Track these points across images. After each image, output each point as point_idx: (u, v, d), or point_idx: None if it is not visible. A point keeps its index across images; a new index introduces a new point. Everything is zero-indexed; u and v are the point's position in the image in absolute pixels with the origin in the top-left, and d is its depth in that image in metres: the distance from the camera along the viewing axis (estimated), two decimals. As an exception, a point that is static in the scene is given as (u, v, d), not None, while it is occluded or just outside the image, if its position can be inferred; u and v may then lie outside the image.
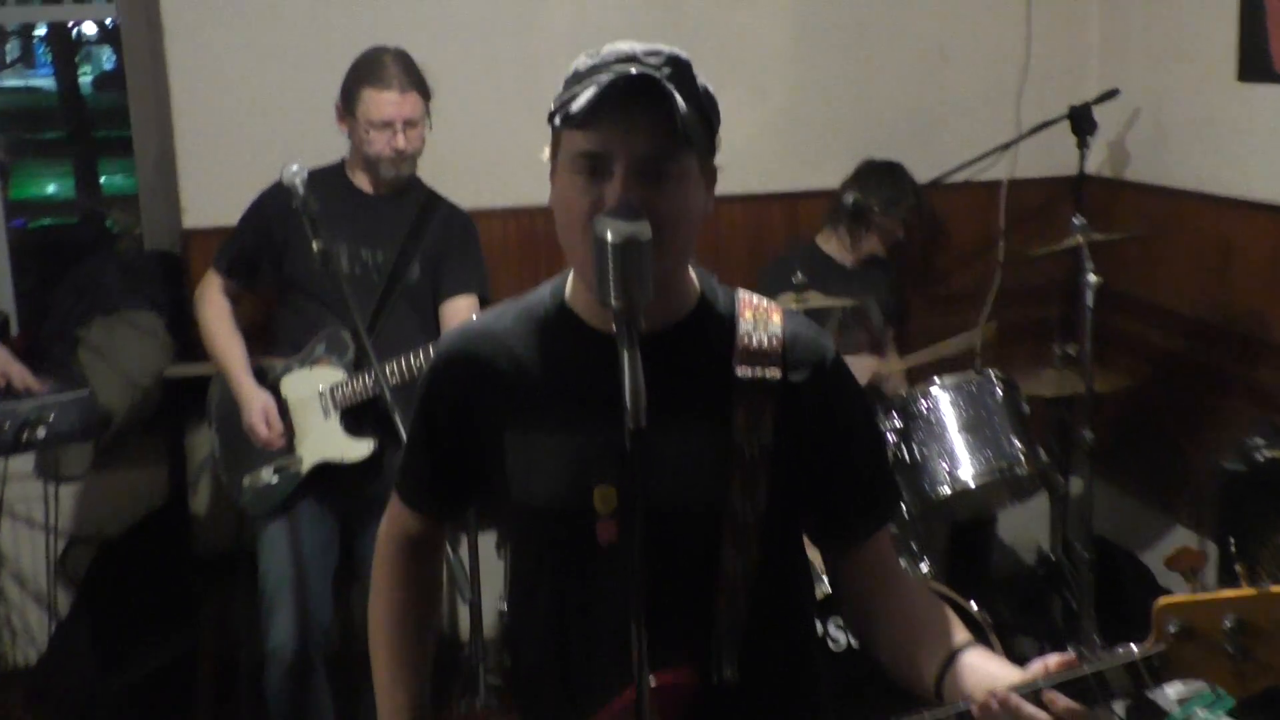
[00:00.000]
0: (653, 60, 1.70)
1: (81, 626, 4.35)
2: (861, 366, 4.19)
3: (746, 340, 1.81)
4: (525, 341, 1.86)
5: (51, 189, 7.90)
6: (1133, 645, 1.56)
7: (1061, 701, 1.57)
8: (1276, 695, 2.07)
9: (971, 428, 3.83)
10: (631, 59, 1.70)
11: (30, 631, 4.48)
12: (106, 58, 8.32)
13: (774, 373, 1.79)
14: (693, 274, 1.85)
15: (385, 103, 3.53)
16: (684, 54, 1.74)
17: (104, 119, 8.15)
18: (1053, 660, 1.61)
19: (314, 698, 3.63)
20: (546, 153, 1.79)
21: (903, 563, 2.22)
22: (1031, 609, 4.44)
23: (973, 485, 3.78)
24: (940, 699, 1.70)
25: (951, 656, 1.72)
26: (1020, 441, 3.84)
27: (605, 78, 1.66)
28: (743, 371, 1.79)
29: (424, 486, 2.00)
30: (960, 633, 1.77)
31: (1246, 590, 1.51)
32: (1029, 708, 1.57)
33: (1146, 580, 4.57)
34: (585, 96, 1.65)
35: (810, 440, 1.81)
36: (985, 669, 1.68)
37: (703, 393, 1.78)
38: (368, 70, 3.56)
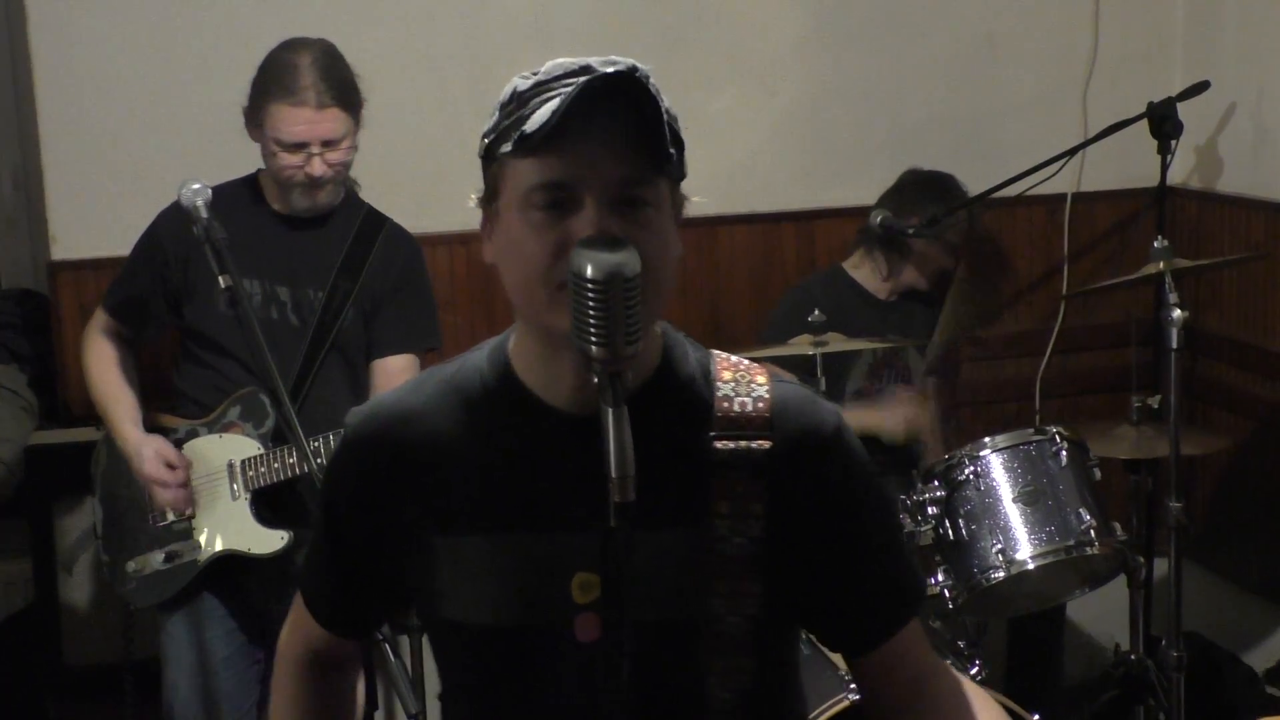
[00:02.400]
0: (609, 69, 1.68)
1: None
2: (895, 413, 4.24)
3: (726, 406, 1.82)
4: (456, 423, 1.86)
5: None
6: None
7: None
8: None
9: (1030, 499, 3.85)
10: (586, 69, 1.70)
11: None
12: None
13: (761, 444, 1.80)
14: (656, 327, 1.83)
15: (297, 120, 3.53)
16: (644, 66, 1.72)
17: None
18: None
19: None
20: (474, 199, 1.82)
21: (949, 664, 2.26)
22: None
23: (1031, 567, 3.80)
24: None
25: None
26: (1090, 515, 3.84)
27: (567, 87, 1.67)
28: (723, 445, 1.79)
29: (328, 599, 2.02)
30: None
31: None
32: None
33: (1252, 686, 4.58)
34: (547, 109, 1.65)
35: (808, 529, 1.82)
36: None
37: (674, 474, 1.77)
38: (277, 78, 3.55)
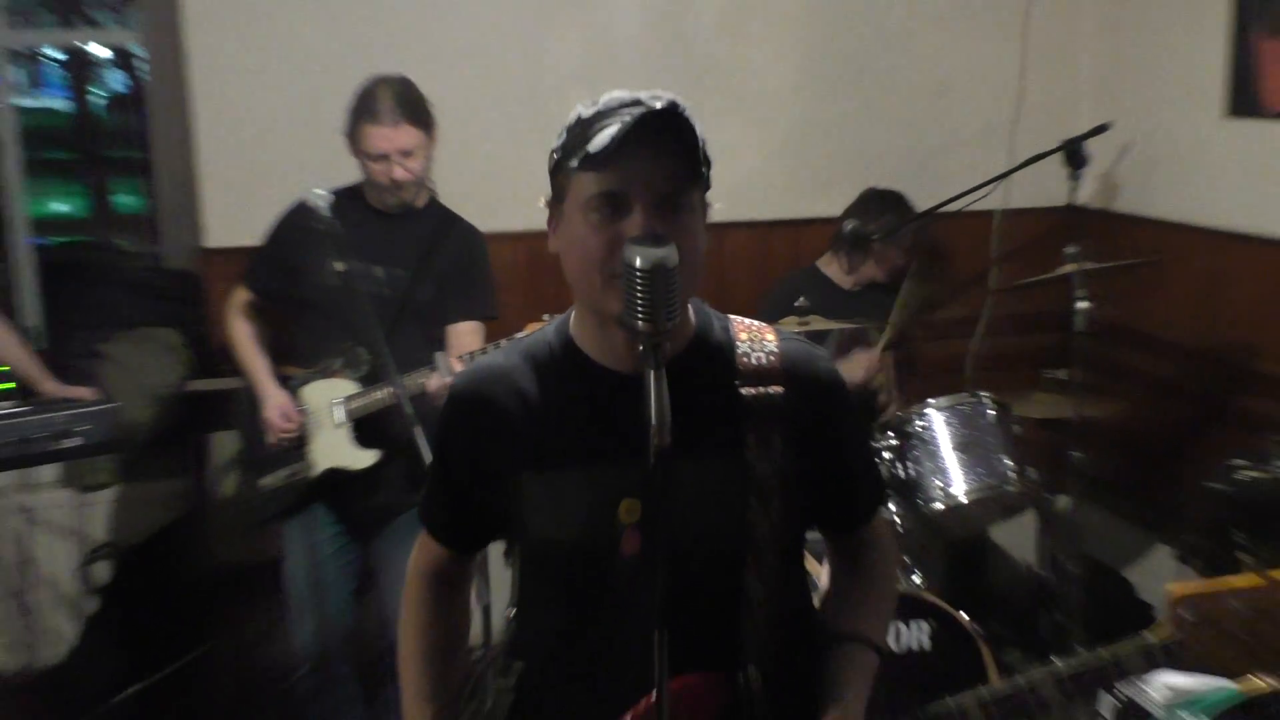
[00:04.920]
0: (657, 103, 1.71)
1: (104, 631, 4.42)
2: (856, 365, 4.25)
3: (746, 360, 1.84)
4: (534, 382, 1.86)
5: (64, 208, 7.96)
6: (1145, 633, 1.61)
7: None
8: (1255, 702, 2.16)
9: (964, 447, 3.88)
10: (637, 102, 1.72)
11: (56, 634, 4.51)
12: (118, 81, 8.40)
13: (776, 389, 1.82)
14: (690, 304, 1.86)
15: (379, 136, 3.53)
16: (683, 101, 1.74)
17: (115, 140, 8.23)
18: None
19: (340, 694, 3.74)
20: (543, 201, 1.82)
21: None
22: (1022, 623, 4.44)
23: (965, 501, 3.82)
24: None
25: (835, 638, 1.92)
26: (1011, 460, 3.90)
27: (623, 118, 1.68)
28: (747, 391, 1.81)
29: (446, 522, 2.03)
30: (867, 623, 1.95)
31: (1254, 578, 1.56)
32: None
33: (1131, 596, 4.63)
34: (607, 134, 1.65)
35: (814, 450, 1.85)
36: (842, 676, 1.88)
37: (711, 418, 1.79)
38: (363, 105, 3.56)
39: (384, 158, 3.57)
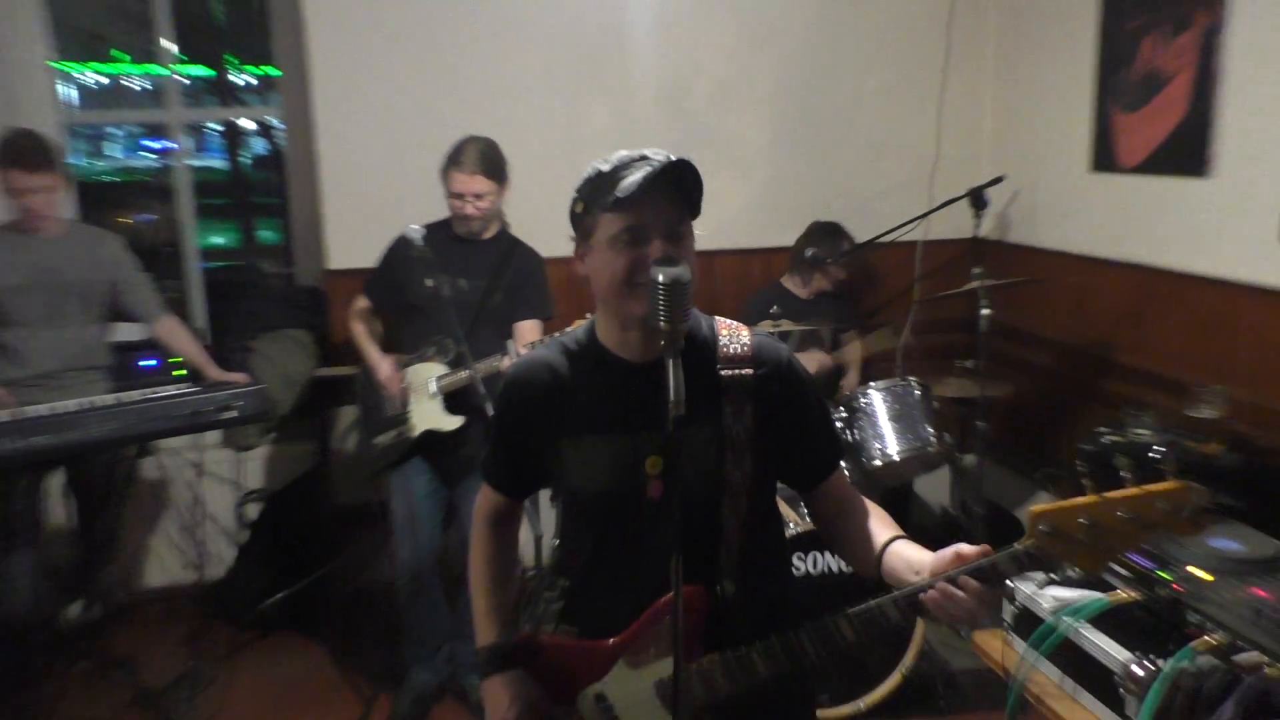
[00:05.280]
0: (660, 158, 1.68)
1: (254, 555, 4.46)
2: (812, 360, 4.25)
3: (725, 350, 1.80)
4: (567, 368, 1.83)
5: (222, 240, 8.00)
6: (1015, 544, 1.60)
7: (973, 583, 1.61)
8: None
9: (897, 417, 3.88)
10: (643, 158, 1.69)
11: (219, 557, 4.56)
12: (260, 146, 8.45)
13: (747, 372, 1.78)
14: None
15: (459, 181, 3.54)
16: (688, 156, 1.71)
17: (258, 190, 8.28)
18: (966, 549, 1.64)
19: (430, 601, 3.73)
20: (572, 236, 1.77)
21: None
22: (934, 549, 4.43)
23: (897, 459, 3.82)
24: (881, 577, 1.74)
25: (885, 546, 1.76)
26: (932, 428, 3.90)
27: (642, 168, 1.65)
28: (725, 373, 1.77)
29: (502, 475, 2.00)
30: (891, 529, 1.81)
31: (1092, 498, 1.56)
32: (950, 588, 1.62)
33: (1018, 529, 4.60)
34: (629, 184, 1.63)
35: (778, 418, 1.80)
36: (909, 553, 1.72)
37: (700, 392, 1.73)
38: (453, 155, 3.56)
39: (460, 197, 3.57)
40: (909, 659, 3.53)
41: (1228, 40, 3.51)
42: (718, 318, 1.89)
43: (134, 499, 4.33)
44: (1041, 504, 1.61)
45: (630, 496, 1.77)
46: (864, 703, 3.52)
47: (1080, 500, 1.56)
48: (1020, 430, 4.76)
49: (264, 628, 4.36)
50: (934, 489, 4.97)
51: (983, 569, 1.62)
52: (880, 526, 1.82)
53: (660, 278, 1.55)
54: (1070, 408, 4.42)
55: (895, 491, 4.44)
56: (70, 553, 3.95)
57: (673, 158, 1.67)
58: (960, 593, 1.61)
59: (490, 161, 3.58)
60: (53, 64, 4.65)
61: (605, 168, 1.71)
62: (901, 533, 1.79)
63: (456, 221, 3.65)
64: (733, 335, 1.83)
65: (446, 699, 3.83)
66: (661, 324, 1.55)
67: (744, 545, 1.78)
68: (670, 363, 1.52)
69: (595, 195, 1.70)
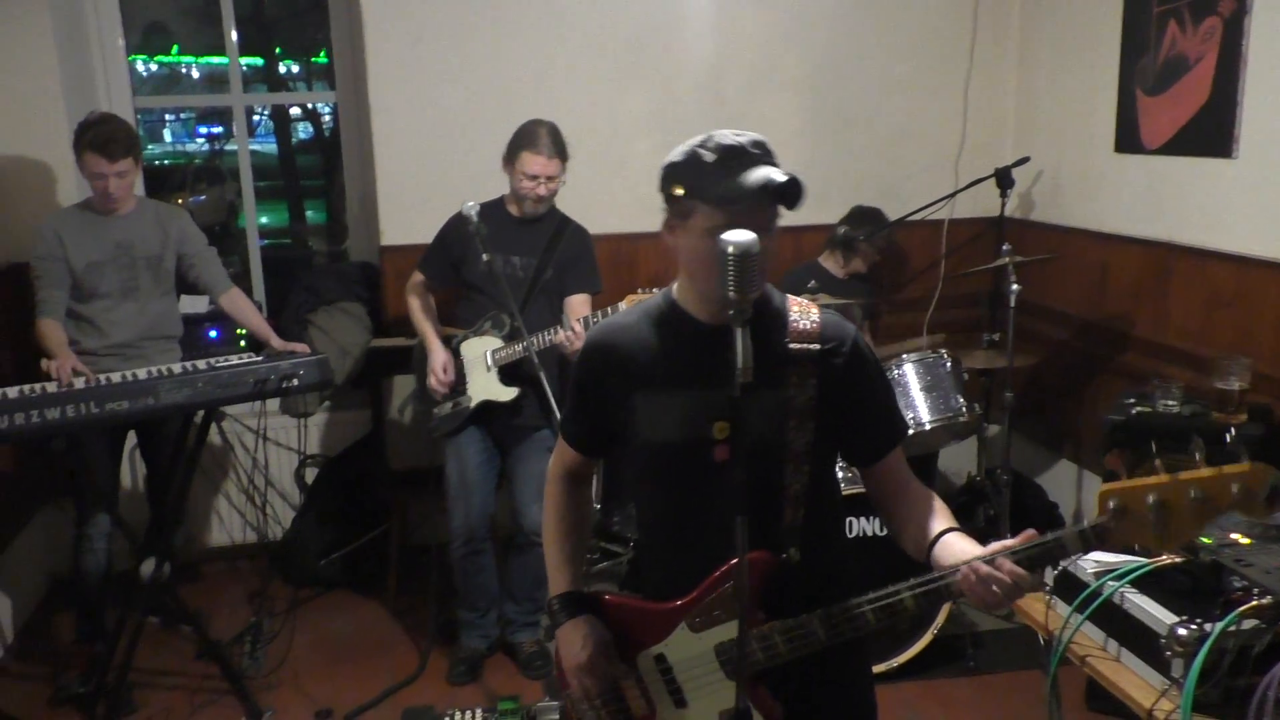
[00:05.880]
0: (758, 150, 1.69)
1: (312, 516, 4.50)
2: None
3: (795, 325, 1.80)
4: (649, 331, 1.84)
5: (272, 220, 8.05)
6: (1084, 521, 1.56)
7: (1008, 565, 1.59)
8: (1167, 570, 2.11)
9: (928, 388, 3.87)
10: (741, 149, 1.69)
11: (279, 518, 4.61)
12: (307, 131, 8.47)
13: (814, 347, 1.78)
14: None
15: (536, 163, 3.54)
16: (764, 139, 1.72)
17: (306, 173, 8.32)
18: (1012, 540, 1.63)
19: (482, 563, 3.77)
20: (664, 204, 1.75)
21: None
22: (961, 516, 4.36)
23: (928, 427, 3.83)
24: (930, 565, 1.73)
25: (937, 537, 1.75)
26: (961, 398, 3.89)
27: (754, 170, 1.66)
28: (793, 346, 1.78)
29: (579, 433, 1.99)
30: (946, 521, 1.77)
31: (1164, 477, 1.52)
32: (986, 568, 1.61)
33: (1042, 498, 4.63)
34: (736, 189, 1.64)
35: (841, 392, 1.79)
36: (959, 545, 1.71)
37: (769, 361, 1.72)
38: (527, 137, 3.56)
39: (535, 178, 3.57)
40: (940, 619, 3.54)
41: (1251, 25, 3.49)
42: (790, 296, 1.89)
43: (200, 464, 4.36)
44: (1112, 483, 1.57)
45: (697, 454, 1.78)
46: (897, 661, 3.55)
47: (1151, 479, 1.53)
48: (1044, 401, 4.76)
49: (322, 585, 4.43)
50: (961, 458, 4.97)
51: (1047, 547, 1.60)
52: (936, 516, 1.79)
53: (730, 249, 1.54)
54: (1093, 380, 4.43)
55: (920, 460, 4.41)
56: (142, 514, 4.00)
57: (772, 151, 1.68)
58: (1000, 574, 1.61)
59: (560, 144, 3.60)
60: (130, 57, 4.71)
61: (709, 157, 1.69)
62: (956, 525, 1.77)
63: (525, 202, 3.63)
64: (803, 312, 1.83)
65: (497, 655, 3.89)
66: (731, 293, 1.54)
67: (807, 512, 1.78)
68: (738, 331, 1.52)
69: (699, 183, 1.68)
